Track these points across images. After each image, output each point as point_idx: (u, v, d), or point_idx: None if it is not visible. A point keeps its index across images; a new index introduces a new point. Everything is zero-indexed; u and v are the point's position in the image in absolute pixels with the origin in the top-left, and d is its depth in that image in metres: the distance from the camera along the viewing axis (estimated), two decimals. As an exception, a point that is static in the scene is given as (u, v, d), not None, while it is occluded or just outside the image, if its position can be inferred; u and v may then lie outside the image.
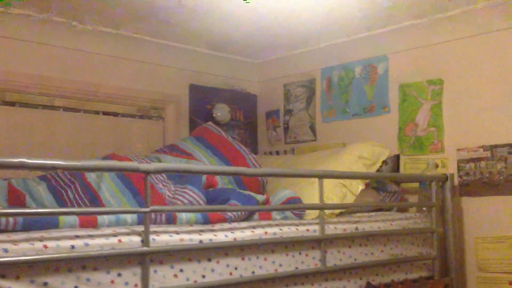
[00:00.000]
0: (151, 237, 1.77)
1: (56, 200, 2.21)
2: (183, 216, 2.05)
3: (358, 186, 2.62)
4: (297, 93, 3.88)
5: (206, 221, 2.10)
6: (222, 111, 3.60)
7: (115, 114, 3.36)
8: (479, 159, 2.95)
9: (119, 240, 1.70)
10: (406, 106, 3.27)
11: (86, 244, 1.63)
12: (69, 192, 2.23)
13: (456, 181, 2.99)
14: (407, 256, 2.64)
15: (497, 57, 2.91)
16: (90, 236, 1.67)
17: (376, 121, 3.41)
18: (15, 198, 2.19)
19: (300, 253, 2.20)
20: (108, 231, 1.74)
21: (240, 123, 3.96)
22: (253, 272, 2.04)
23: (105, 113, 3.31)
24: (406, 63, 3.30)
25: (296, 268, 2.18)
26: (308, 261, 2.23)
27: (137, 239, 1.74)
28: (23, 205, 2.13)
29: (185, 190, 2.28)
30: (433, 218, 2.75)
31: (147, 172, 1.74)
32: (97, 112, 3.27)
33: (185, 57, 3.68)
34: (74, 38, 3.15)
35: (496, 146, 2.89)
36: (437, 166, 3.04)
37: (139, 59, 3.46)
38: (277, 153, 3.94)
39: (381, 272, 2.51)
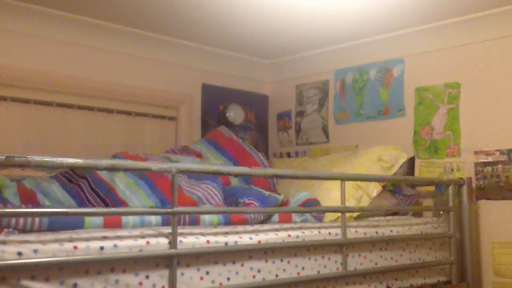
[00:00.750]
0: (179, 238, 1.74)
1: (72, 196, 2.18)
2: (206, 217, 2.02)
3: (374, 188, 2.60)
4: (309, 94, 3.86)
5: (228, 222, 2.08)
6: (235, 112, 3.57)
7: (129, 113, 3.33)
8: (496, 163, 2.93)
9: (147, 242, 1.67)
10: (422, 109, 3.26)
11: (115, 246, 1.60)
12: (83, 187, 2.21)
13: (473, 184, 2.97)
14: (425, 261, 2.62)
15: (515, 62, 2.90)
16: (118, 237, 1.64)
17: (391, 124, 3.39)
18: (27, 197, 2.16)
19: (323, 257, 2.18)
20: (136, 232, 1.71)
21: (251, 124, 3.93)
22: (276, 275, 2.01)
23: (118, 112, 3.28)
24: (422, 66, 3.28)
25: (318, 272, 2.16)
26: (330, 265, 2.20)
27: (164, 241, 1.72)
28: (37, 204, 2.10)
29: (206, 186, 2.26)
30: (451, 223, 2.73)
31: (173, 172, 1.72)
32: (110, 111, 3.25)
33: (198, 56, 3.66)
34: (88, 35, 3.13)
35: (513, 150, 2.88)
36: (452, 169, 3.03)
37: (153, 57, 3.44)
38: (288, 154, 3.92)
39: (400, 277, 2.49)
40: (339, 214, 2.34)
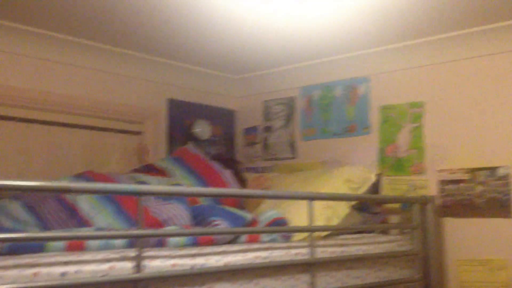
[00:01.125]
0: (143, 262, 1.70)
1: (34, 216, 2.11)
2: (172, 239, 1.98)
3: (344, 208, 2.61)
4: (276, 110, 3.86)
5: (195, 243, 2.04)
6: (202, 128, 3.54)
7: (92, 128, 3.26)
8: (459, 181, 2.98)
9: (111, 267, 1.62)
10: (387, 127, 3.29)
11: (78, 271, 1.55)
12: (45, 206, 2.15)
13: (438, 202, 3.01)
14: (392, 279, 2.63)
15: (477, 82, 2.96)
16: (81, 262, 1.59)
17: (357, 141, 3.42)
18: None
19: (291, 277, 2.16)
20: (100, 256, 1.66)
21: (219, 139, 3.91)
22: (244, 298, 1.98)
23: (81, 127, 3.20)
24: (387, 85, 3.32)
25: (286, 292, 2.14)
26: (299, 285, 2.19)
27: (129, 265, 1.67)
28: (-2, 225, 2.02)
29: (173, 206, 2.23)
30: (416, 240, 2.76)
31: (140, 194, 1.68)
32: (72, 126, 3.17)
33: (164, 71, 3.61)
34: (49, 49, 3.04)
35: (476, 169, 2.93)
36: (416, 187, 3.06)
37: (117, 72, 3.37)
38: (255, 169, 3.90)
39: (367, 296, 2.50)
40: (307, 234, 2.33)
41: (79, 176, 2.36)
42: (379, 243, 2.64)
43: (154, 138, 3.53)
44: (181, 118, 3.69)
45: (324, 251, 2.33)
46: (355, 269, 2.45)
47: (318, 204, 2.58)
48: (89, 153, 3.24)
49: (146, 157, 3.21)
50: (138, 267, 1.66)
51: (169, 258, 1.79)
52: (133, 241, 1.88)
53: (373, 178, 2.85)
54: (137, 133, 3.50)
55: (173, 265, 1.78)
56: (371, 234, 2.85)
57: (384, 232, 2.99)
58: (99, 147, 3.29)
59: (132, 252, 1.71)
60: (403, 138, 3.22)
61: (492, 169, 2.87)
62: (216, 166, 2.75)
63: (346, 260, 2.40)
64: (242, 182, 3.01)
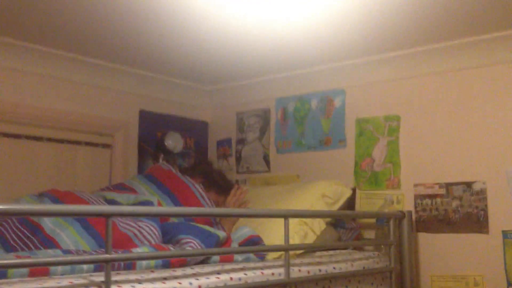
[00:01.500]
0: (112, 288, 1.61)
1: None
2: (143, 261, 1.90)
3: (320, 225, 2.55)
4: (250, 122, 3.80)
5: (166, 264, 1.96)
6: (173, 140, 3.45)
7: (59, 141, 3.15)
8: (435, 196, 2.95)
9: (77, 294, 1.53)
10: (363, 140, 3.26)
11: (40, 300, 1.45)
12: (6, 226, 2.04)
13: (413, 217, 2.98)
14: (368, 298, 2.58)
15: (453, 96, 2.95)
16: (45, 290, 1.49)
17: (332, 154, 3.37)
18: None
19: (265, 299, 2.09)
20: (65, 282, 1.56)
21: (191, 151, 3.82)
22: (218, 322, 1.90)
23: (48, 140, 3.09)
24: (363, 98, 3.29)
25: (262, 315, 2.06)
26: (273, 306, 2.12)
27: (97, 291, 1.58)
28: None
29: (144, 224, 2.14)
30: (391, 257, 2.72)
31: (108, 216, 1.59)
32: (39, 138, 3.05)
33: (135, 82, 3.52)
34: (12, 58, 2.92)
35: (451, 184, 2.91)
36: (393, 202, 3.03)
37: (86, 82, 3.27)
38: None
39: (343, 315, 2.44)
40: (283, 252, 2.25)
41: (43, 195, 2.25)
42: (354, 260, 2.58)
43: (124, 151, 3.43)
44: (153, 130, 3.60)
45: (301, 270, 2.26)
46: (331, 288, 2.39)
47: (293, 221, 2.52)
48: (57, 167, 3.12)
49: None
50: (106, 294, 1.57)
51: (139, 283, 1.70)
52: (101, 266, 1.79)
53: (348, 193, 2.81)
54: (107, 145, 3.40)
55: (144, 290, 1.69)
56: (346, 251, 2.80)
57: (360, 247, 2.94)
58: (68, 161, 3.18)
59: (99, 277, 1.61)
60: (379, 152, 3.19)
61: (468, 184, 2.86)
62: (188, 180, 2.67)
63: (322, 279, 2.33)
64: (223, 187, 2.91)
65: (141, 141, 3.53)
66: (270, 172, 3.65)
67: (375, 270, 2.65)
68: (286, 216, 2.18)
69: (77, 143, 3.23)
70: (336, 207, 2.72)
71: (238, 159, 3.83)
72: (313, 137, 3.47)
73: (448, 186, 2.91)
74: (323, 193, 2.69)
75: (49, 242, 2.00)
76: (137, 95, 3.55)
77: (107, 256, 1.58)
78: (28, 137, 3.01)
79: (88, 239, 2.03)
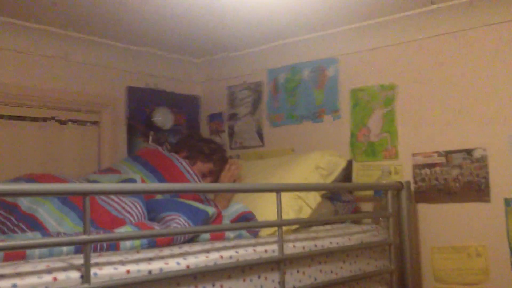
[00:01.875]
0: (93, 271, 1.51)
1: None
2: (127, 243, 1.80)
3: (315, 199, 2.45)
4: (242, 96, 3.68)
5: (152, 244, 1.86)
6: (163, 116, 3.33)
7: (44, 119, 3.03)
8: (434, 165, 2.85)
9: (54, 278, 1.43)
10: (358, 111, 3.14)
11: (14, 286, 1.35)
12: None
13: (412, 188, 2.88)
14: (366, 272, 2.50)
15: (451, 61, 2.82)
16: (19, 275, 1.39)
17: (327, 126, 3.26)
18: None
19: (259, 277, 2.00)
20: (41, 266, 1.46)
21: (181, 127, 3.70)
22: (208, 302, 1.81)
23: (32, 119, 2.97)
24: (357, 66, 3.17)
25: (254, 293, 1.98)
26: (267, 284, 2.03)
27: (76, 275, 1.48)
28: None
29: (127, 200, 2.05)
30: (390, 229, 2.63)
31: (85, 194, 1.49)
32: (22, 118, 2.93)
33: (122, 57, 3.39)
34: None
35: (451, 152, 2.80)
36: (390, 172, 2.94)
37: (71, 59, 3.14)
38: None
39: (341, 290, 2.36)
40: (276, 228, 2.16)
41: (19, 178, 2.14)
42: (352, 234, 2.50)
43: (112, 129, 3.32)
44: (141, 107, 3.47)
45: (295, 246, 2.17)
46: (328, 263, 2.30)
47: (287, 195, 2.43)
48: (43, 147, 3.01)
49: None
50: (86, 277, 1.47)
51: (122, 264, 1.61)
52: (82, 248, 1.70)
53: (343, 163, 2.68)
54: (94, 123, 3.28)
55: (128, 272, 1.59)
56: (343, 225, 2.71)
57: (357, 221, 2.85)
58: (54, 140, 3.06)
59: (79, 260, 1.52)
60: (375, 122, 3.08)
61: (468, 151, 2.75)
62: (173, 156, 2.56)
63: (318, 255, 2.24)
64: (207, 154, 2.78)
65: (130, 118, 3.41)
66: (264, 146, 3.54)
67: (374, 244, 2.56)
68: (278, 190, 2.08)
69: (63, 122, 3.12)
70: (331, 178, 2.61)
71: (231, 134, 3.71)
72: (306, 109, 3.35)
73: (447, 154, 2.81)
74: (317, 164, 2.59)
75: (28, 218, 1.91)
76: (123, 71, 3.42)
77: (85, 237, 1.49)
78: (10, 117, 2.89)
79: (68, 213, 1.94)
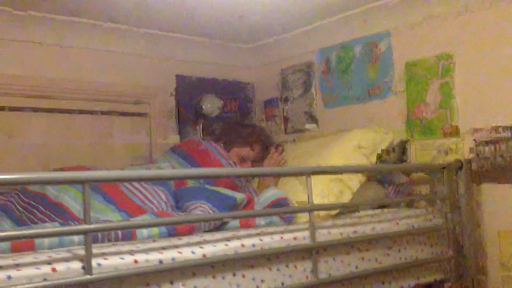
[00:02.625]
0: (97, 261, 1.47)
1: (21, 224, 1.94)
2: (144, 230, 1.75)
3: (357, 181, 2.28)
4: (294, 78, 3.55)
5: (172, 232, 1.80)
6: (210, 103, 3.27)
7: (93, 113, 3.07)
8: (497, 141, 2.58)
9: (53, 269, 1.40)
10: (414, 85, 2.92)
11: (9, 277, 1.34)
12: (13, 200, 1.97)
13: (474, 166, 2.63)
14: (418, 259, 2.30)
15: (513, 25, 2.54)
16: (16, 266, 1.37)
17: (382, 104, 3.06)
18: None
19: (287, 266, 1.89)
20: (43, 257, 1.44)
21: (235, 114, 3.63)
22: (228, 293, 1.73)
23: (80, 112, 3.02)
24: (411, 38, 2.93)
25: (282, 283, 1.87)
26: (298, 273, 1.91)
27: (77, 265, 1.45)
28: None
29: (154, 192, 2.00)
30: (447, 213, 2.41)
31: (84, 182, 1.44)
32: (71, 112, 2.98)
33: (170, 46, 3.37)
34: (37, 31, 2.86)
35: (516, 126, 2.52)
36: (448, 152, 2.70)
37: (118, 51, 3.17)
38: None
39: (388, 279, 2.19)
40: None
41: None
42: (400, 218, 2.31)
43: (162, 119, 3.31)
44: (192, 95, 3.44)
45: (330, 233, 2.03)
46: (370, 251, 2.14)
47: (327, 178, 2.29)
48: (92, 141, 3.05)
49: None
50: (88, 268, 1.43)
51: (131, 254, 1.56)
52: (96, 237, 1.68)
53: (388, 139, 2.46)
54: (144, 114, 3.29)
55: (135, 262, 1.54)
56: (395, 209, 2.52)
57: (413, 205, 2.65)
58: (103, 133, 3.10)
59: (80, 250, 1.48)
60: (432, 97, 2.84)
61: (535, 124, 2.46)
62: (208, 142, 2.49)
63: (358, 242, 2.09)
64: (244, 137, 2.70)
65: (180, 107, 3.39)
66: (319, 129, 3.40)
67: (426, 229, 2.36)
68: (308, 173, 1.95)
69: (112, 113, 3.14)
70: (374, 157, 2.41)
71: (286, 118, 3.60)
72: (360, 88, 3.16)
73: (512, 128, 2.53)
74: (359, 143, 2.40)
75: (55, 206, 1.92)
76: (172, 60, 3.41)
77: (85, 226, 1.45)
78: (60, 111, 2.95)
79: (94, 196, 1.93)
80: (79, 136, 3.00)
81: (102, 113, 3.10)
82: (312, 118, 3.42)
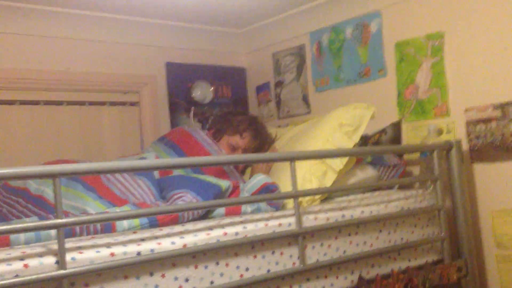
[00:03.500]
0: (71, 255, 1.45)
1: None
2: (125, 221, 1.73)
3: (339, 161, 2.23)
4: (286, 62, 3.50)
5: (154, 224, 1.78)
6: (201, 90, 3.24)
7: (81, 103, 3.04)
8: (489, 120, 2.54)
9: (26, 265, 1.38)
10: (404, 66, 2.87)
11: (-20, 275, 1.32)
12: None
13: (466, 146, 2.59)
14: (409, 241, 2.27)
15: (504, 3, 2.47)
16: (-11, 263, 1.36)
17: (373, 86, 3.02)
18: None
19: (273, 253, 1.86)
20: (16, 253, 1.42)
21: (227, 100, 3.60)
22: (211, 282, 1.71)
23: (69, 103, 2.99)
24: (401, 18, 2.89)
25: (268, 270, 1.84)
26: (284, 260, 1.89)
27: (51, 260, 1.43)
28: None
29: (134, 182, 1.98)
30: (438, 193, 2.37)
31: (54, 176, 1.42)
32: (59, 103, 2.96)
33: (158, 33, 3.33)
34: (22, 22, 2.82)
35: (507, 103, 2.48)
36: (441, 132, 2.66)
37: (105, 40, 3.13)
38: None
39: (378, 263, 2.16)
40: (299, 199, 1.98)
41: None
42: (390, 201, 2.28)
43: (153, 108, 3.28)
44: (183, 83, 3.40)
45: (317, 218, 2.00)
46: (359, 235, 2.11)
47: (308, 161, 2.25)
48: (82, 131, 3.03)
49: None
50: (62, 262, 1.41)
51: (107, 247, 1.54)
52: (74, 231, 1.66)
53: (369, 114, 2.38)
54: (134, 103, 3.26)
55: (112, 255, 1.52)
56: (386, 192, 2.48)
57: (405, 187, 2.62)
58: (92, 124, 3.08)
59: (55, 245, 1.46)
60: (423, 77, 2.80)
61: (527, 101, 2.42)
62: (195, 131, 2.46)
63: (346, 226, 2.06)
64: (234, 126, 2.62)
65: (171, 95, 3.35)
66: (311, 113, 3.36)
67: (416, 211, 2.32)
68: (291, 159, 1.92)
69: (101, 104, 3.12)
70: (358, 133, 2.35)
71: (278, 103, 3.56)
72: (351, 70, 3.12)
73: (504, 106, 2.49)
74: (340, 122, 2.34)
75: (36, 199, 1.90)
76: (162, 47, 3.37)
77: (57, 221, 1.42)
78: (47, 103, 2.93)
79: (75, 186, 1.91)
80: (69, 128, 2.97)
81: (91, 103, 3.08)
82: (305, 102, 3.38)
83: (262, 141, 2.70)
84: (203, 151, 2.36)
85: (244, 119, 2.65)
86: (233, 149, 2.58)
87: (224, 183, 2.02)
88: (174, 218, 1.81)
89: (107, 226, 1.70)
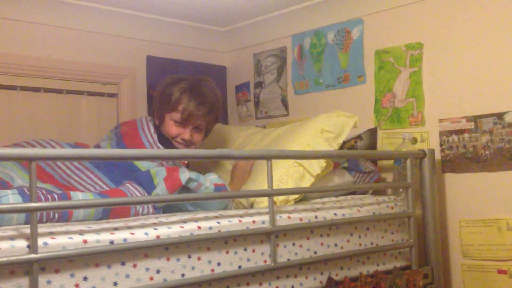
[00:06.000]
0: (43, 240, 1.45)
1: None
2: (81, 212, 1.73)
3: (317, 165, 2.27)
4: (267, 63, 3.52)
5: (106, 215, 1.78)
6: (180, 86, 3.22)
7: (59, 91, 3.01)
8: (462, 131, 2.60)
9: (-2, 248, 1.37)
10: (383, 74, 2.92)
11: (-51, 256, 1.31)
12: None
13: (438, 156, 2.65)
14: (378, 246, 2.31)
15: (482, 18, 2.53)
16: (-42, 244, 1.34)
17: (352, 92, 3.06)
18: None
19: (245, 249, 1.88)
20: (-13, 235, 1.41)
21: (206, 98, 3.59)
22: (182, 275, 1.71)
23: (46, 90, 2.96)
24: (382, 26, 2.93)
25: (240, 267, 1.86)
26: (256, 257, 1.90)
27: (22, 244, 1.42)
28: None
29: (76, 171, 1.99)
30: (409, 200, 2.42)
31: (31, 159, 1.41)
32: (36, 89, 2.93)
33: (141, 26, 3.32)
34: (2, 6, 2.79)
35: (480, 116, 2.54)
36: (415, 140, 2.71)
37: (87, 29, 3.10)
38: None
39: (347, 265, 2.19)
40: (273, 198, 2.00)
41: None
42: (363, 205, 2.31)
43: (131, 101, 3.27)
44: (162, 77, 3.38)
45: (291, 218, 2.02)
46: (330, 236, 2.14)
47: (287, 162, 2.28)
48: (59, 119, 3.00)
49: None
50: (33, 247, 1.40)
51: (80, 234, 1.53)
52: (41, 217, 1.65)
53: (351, 122, 2.43)
54: (113, 95, 3.24)
55: (85, 242, 1.52)
56: (359, 196, 2.52)
57: (379, 193, 2.66)
58: (69, 113, 3.05)
59: (27, 229, 1.45)
60: (400, 86, 2.85)
61: (499, 115, 2.48)
62: (139, 120, 2.43)
63: (318, 227, 2.09)
64: (166, 103, 2.43)
65: (150, 89, 3.34)
66: (289, 115, 3.39)
67: (387, 216, 2.36)
68: (268, 157, 1.93)
69: (79, 93, 3.09)
70: (339, 141, 2.39)
71: (257, 104, 3.58)
72: (331, 75, 3.15)
73: (476, 119, 2.55)
74: (322, 128, 2.38)
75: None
76: (144, 41, 3.35)
77: (32, 204, 1.41)
78: (25, 88, 2.89)
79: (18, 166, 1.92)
80: (45, 116, 2.94)
81: (69, 92, 3.05)
82: (284, 104, 3.40)
83: (211, 106, 2.41)
84: (138, 141, 2.32)
85: (180, 87, 2.36)
86: (180, 125, 2.35)
87: (153, 169, 2.01)
88: (124, 211, 1.83)
89: (64, 215, 1.69)
